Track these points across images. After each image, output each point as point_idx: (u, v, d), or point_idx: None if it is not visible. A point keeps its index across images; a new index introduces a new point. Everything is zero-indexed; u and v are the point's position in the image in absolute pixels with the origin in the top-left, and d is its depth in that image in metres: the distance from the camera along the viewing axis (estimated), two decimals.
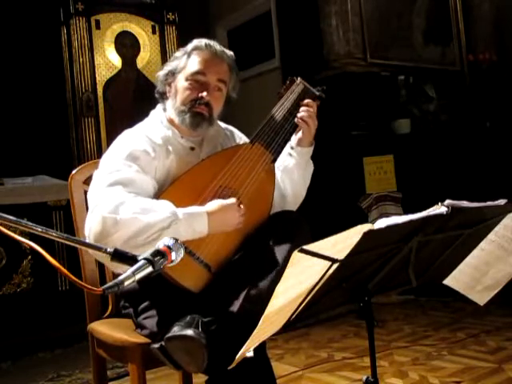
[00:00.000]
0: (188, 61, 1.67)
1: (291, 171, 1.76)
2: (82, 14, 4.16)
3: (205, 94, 1.62)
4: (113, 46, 4.32)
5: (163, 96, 1.72)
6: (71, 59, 4.19)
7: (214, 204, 1.51)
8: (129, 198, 1.45)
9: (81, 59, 4.16)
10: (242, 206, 1.54)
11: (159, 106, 1.75)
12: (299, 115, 1.72)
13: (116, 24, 4.34)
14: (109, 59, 4.30)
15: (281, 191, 1.77)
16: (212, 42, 1.69)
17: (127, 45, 4.38)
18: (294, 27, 4.84)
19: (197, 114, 1.62)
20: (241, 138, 1.82)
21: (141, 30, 4.44)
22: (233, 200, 1.53)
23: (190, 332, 1.31)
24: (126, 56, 4.38)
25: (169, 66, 1.71)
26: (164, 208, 1.44)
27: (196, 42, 1.69)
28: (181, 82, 1.66)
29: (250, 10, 5.58)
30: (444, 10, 5.17)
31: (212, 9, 5.89)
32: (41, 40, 4.24)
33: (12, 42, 4.21)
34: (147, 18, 4.47)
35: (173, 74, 1.69)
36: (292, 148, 1.75)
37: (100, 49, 4.27)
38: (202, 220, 1.46)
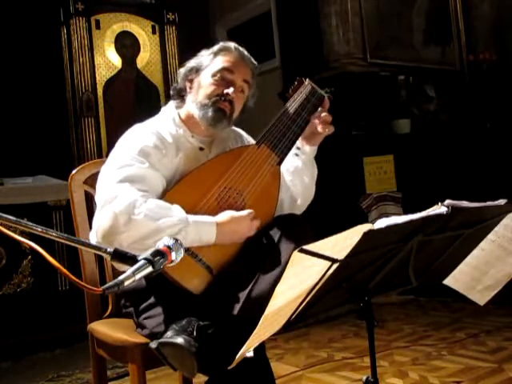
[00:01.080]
0: (214, 59, 1.68)
1: (300, 172, 1.76)
2: (82, 14, 4.17)
3: (231, 90, 1.62)
4: (113, 46, 4.32)
5: (181, 93, 1.72)
6: (71, 59, 4.19)
7: (226, 215, 1.50)
8: (141, 198, 1.45)
9: (81, 59, 4.16)
10: (257, 220, 1.53)
11: (171, 103, 1.74)
12: (322, 115, 1.70)
13: (116, 24, 4.35)
14: (109, 59, 4.30)
15: (291, 193, 1.77)
16: (240, 47, 1.71)
17: (127, 45, 4.39)
18: (294, 27, 4.85)
19: (219, 109, 1.62)
20: (249, 141, 1.81)
21: (141, 29, 4.44)
22: (245, 212, 1.52)
23: (179, 340, 1.31)
24: (126, 56, 4.38)
25: (192, 63, 1.71)
26: (176, 214, 1.44)
27: (224, 43, 1.71)
28: (206, 78, 1.66)
29: (250, 10, 5.58)
30: (444, 10, 5.18)
31: (212, 9, 5.89)
32: (41, 40, 4.24)
33: (12, 42, 4.21)
34: (147, 18, 4.48)
35: (197, 70, 1.69)
36: (298, 148, 1.75)
37: (100, 49, 4.27)
38: (210, 230, 1.46)
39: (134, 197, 1.44)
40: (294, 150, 1.75)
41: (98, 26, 4.27)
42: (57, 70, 4.25)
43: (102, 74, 4.27)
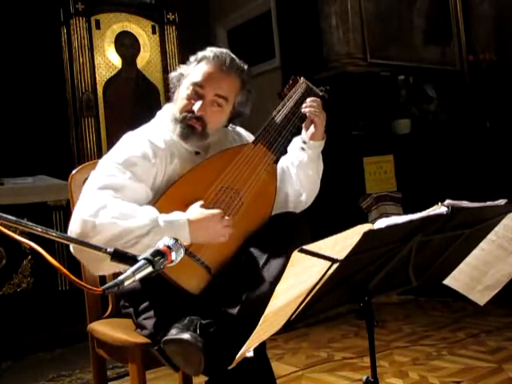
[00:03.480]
0: (195, 68, 1.64)
1: (306, 166, 1.76)
2: (82, 14, 4.17)
3: (197, 107, 1.58)
4: (113, 46, 4.32)
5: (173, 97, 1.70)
6: (71, 59, 4.19)
7: (197, 212, 1.47)
8: (112, 202, 1.43)
9: (81, 59, 4.16)
10: (226, 218, 1.49)
11: (166, 107, 1.72)
12: (306, 110, 1.71)
13: (116, 24, 4.34)
14: (109, 59, 4.30)
15: (295, 187, 1.77)
16: (224, 54, 1.63)
17: (127, 45, 4.38)
18: (294, 27, 4.84)
19: (188, 126, 1.59)
20: (248, 140, 1.79)
21: (141, 29, 4.44)
22: (216, 211, 1.48)
23: (186, 336, 1.31)
24: (126, 56, 4.38)
25: (181, 69, 1.69)
26: (145, 214, 1.42)
27: (208, 50, 1.65)
28: (182, 89, 1.64)
29: (250, 10, 5.58)
30: (444, 10, 5.18)
31: (212, 9, 5.89)
32: (41, 40, 4.24)
33: (12, 42, 4.20)
34: (147, 18, 4.47)
35: (180, 78, 1.67)
36: (305, 142, 1.75)
37: (100, 49, 4.27)
38: (183, 228, 1.42)
39: (103, 201, 1.43)
40: (300, 144, 1.76)
41: (98, 26, 4.26)
42: (57, 70, 4.25)
43: (102, 74, 4.27)
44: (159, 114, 1.73)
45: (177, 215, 1.45)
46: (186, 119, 1.60)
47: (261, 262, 1.46)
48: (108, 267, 1.42)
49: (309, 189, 1.78)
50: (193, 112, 1.59)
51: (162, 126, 1.67)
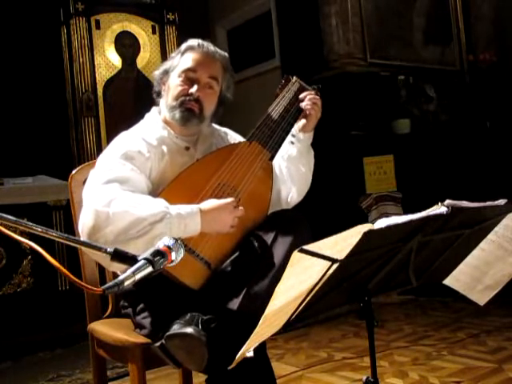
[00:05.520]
0: (181, 59, 1.70)
1: (296, 159, 1.78)
2: (82, 14, 4.17)
3: (194, 89, 1.64)
4: (113, 46, 4.32)
5: (159, 95, 1.75)
6: (71, 59, 4.20)
7: (210, 203, 1.50)
8: (122, 193, 1.46)
9: (81, 59, 4.16)
10: (240, 208, 1.52)
11: (154, 109, 1.77)
12: (304, 104, 1.74)
13: (116, 24, 4.35)
14: (109, 59, 4.30)
15: (286, 183, 1.79)
16: (206, 43, 1.72)
17: (127, 45, 4.38)
18: (294, 27, 4.85)
19: (186, 109, 1.64)
20: (235, 139, 1.84)
21: (141, 30, 4.44)
22: (230, 200, 1.52)
23: (190, 330, 1.31)
24: (126, 56, 4.38)
25: (164, 65, 1.75)
26: (157, 202, 1.45)
27: (190, 41, 1.73)
28: (173, 80, 1.69)
29: (250, 10, 5.59)
30: (444, 10, 5.18)
31: (212, 9, 5.89)
32: (41, 40, 4.24)
33: (12, 42, 4.21)
34: (147, 18, 4.48)
35: (167, 72, 1.72)
36: (293, 136, 1.77)
37: (100, 49, 4.27)
38: (195, 217, 1.46)
39: (114, 193, 1.45)
40: (289, 138, 1.78)
41: (98, 26, 4.27)
42: (57, 70, 4.25)
43: (102, 74, 4.27)
44: (147, 115, 1.77)
45: (189, 205, 1.48)
46: (184, 103, 1.65)
47: (260, 258, 1.47)
48: (118, 264, 1.42)
49: (299, 183, 1.80)
50: (190, 95, 1.65)
51: (152, 125, 1.71)
